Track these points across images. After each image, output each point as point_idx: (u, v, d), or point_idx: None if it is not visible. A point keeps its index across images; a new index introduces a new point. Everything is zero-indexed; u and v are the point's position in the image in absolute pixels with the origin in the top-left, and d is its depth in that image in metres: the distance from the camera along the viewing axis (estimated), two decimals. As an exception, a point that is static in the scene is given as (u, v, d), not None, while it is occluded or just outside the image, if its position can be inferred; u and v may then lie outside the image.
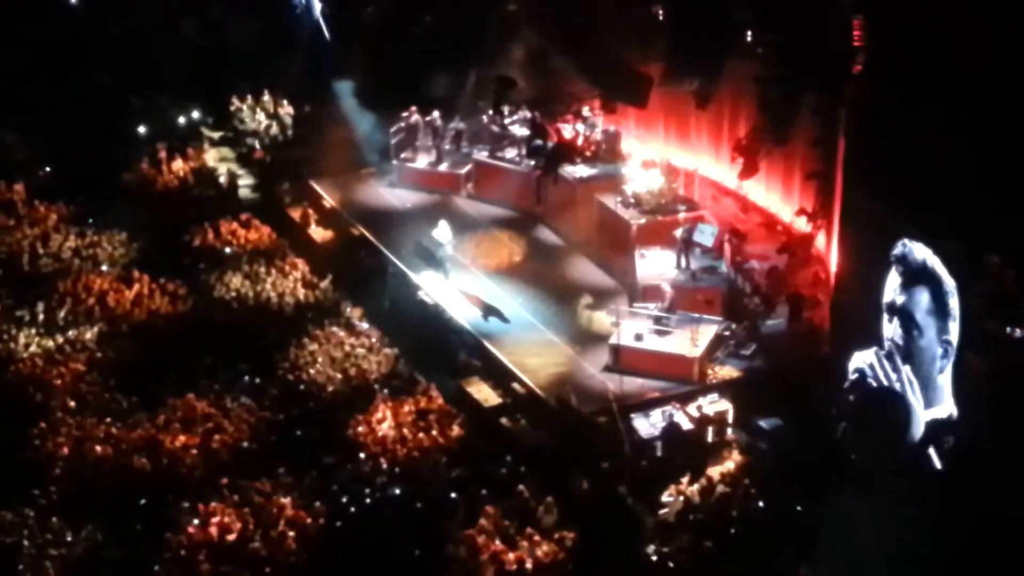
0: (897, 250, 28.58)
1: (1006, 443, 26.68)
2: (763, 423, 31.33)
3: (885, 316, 29.42)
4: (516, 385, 33.41)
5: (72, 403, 32.44)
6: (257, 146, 46.94)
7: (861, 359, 30.18)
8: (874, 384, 29.58)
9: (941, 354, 28.29)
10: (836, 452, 29.70)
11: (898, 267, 28.71)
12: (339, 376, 33.54)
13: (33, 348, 34.43)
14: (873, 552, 26.85)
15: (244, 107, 47.71)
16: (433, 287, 37.37)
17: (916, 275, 28.34)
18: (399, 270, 38.60)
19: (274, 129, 47.42)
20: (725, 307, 34.81)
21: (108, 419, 31.68)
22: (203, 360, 34.69)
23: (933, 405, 28.78)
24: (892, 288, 29.03)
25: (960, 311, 27.64)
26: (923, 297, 28.31)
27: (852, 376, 30.23)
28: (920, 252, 28.09)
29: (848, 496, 28.48)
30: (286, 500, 28.73)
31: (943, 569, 26.72)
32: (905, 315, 28.77)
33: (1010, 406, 26.87)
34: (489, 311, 36.42)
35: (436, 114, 44.02)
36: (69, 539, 28.12)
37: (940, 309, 28.05)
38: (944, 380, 28.45)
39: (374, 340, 35.20)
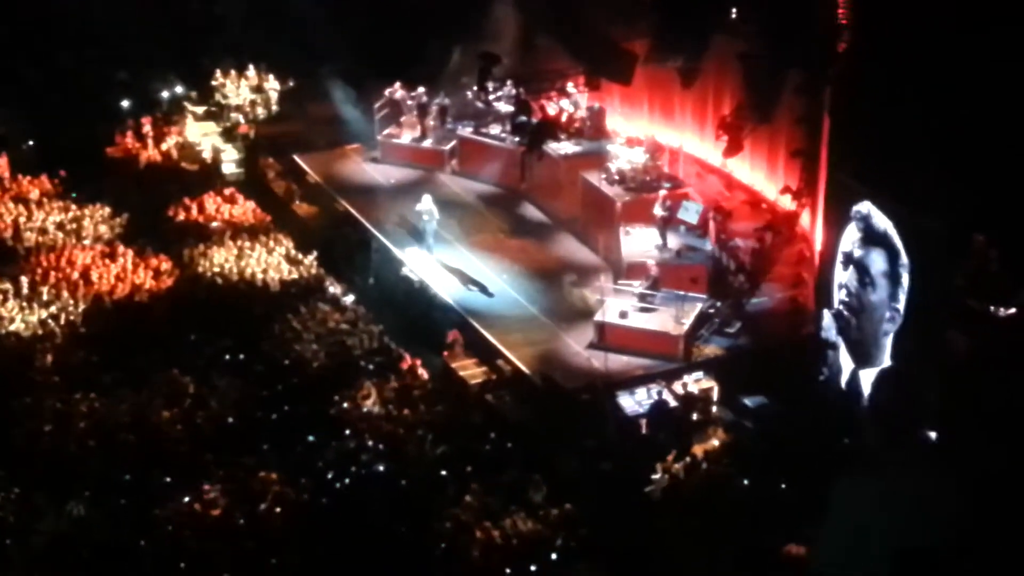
0: (861, 208, 29.00)
1: (990, 420, 26.76)
2: (748, 401, 31.43)
3: (840, 265, 29.99)
4: (501, 362, 33.42)
5: (56, 378, 32.39)
6: (241, 121, 46.81)
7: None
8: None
9: (888, 318, 28.95)
10: (822, 429, 29.83)
11: (858, 224, 29.23)
12: (324, 352, 33.53)
13: (17, 323, 34.35)
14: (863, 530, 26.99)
15: (228, 81, 47.59)
16: (417, 263, 37.35)
17: (875, 239, 28.88)
18: (383, 246, 38.58)
19: (258, 104, 47.31)
20: (710, 285, 34.84)
21: (92, 394, 31.61)
22: (187, 335, 34.62)
23: (874, 364, 29.65)
24: (851, 240, 29.56)
25: (910, 285, 28.29)
26: (879, 259, 28.91)
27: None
28: (882, 222, 28.57)
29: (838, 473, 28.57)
30: (271, 476, 28.74)
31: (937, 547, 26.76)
32: (860, 268, 29.33)
33: (993, 385, 26.95)
34: (471, 283, 36.49)
35: (421, 90, 43.93)
36: (53, 515, 28.14)
37: (893, 275, 28.68)
38: (887, 342, 29.19)
39: (359, 316, 35.20)
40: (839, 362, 30.62)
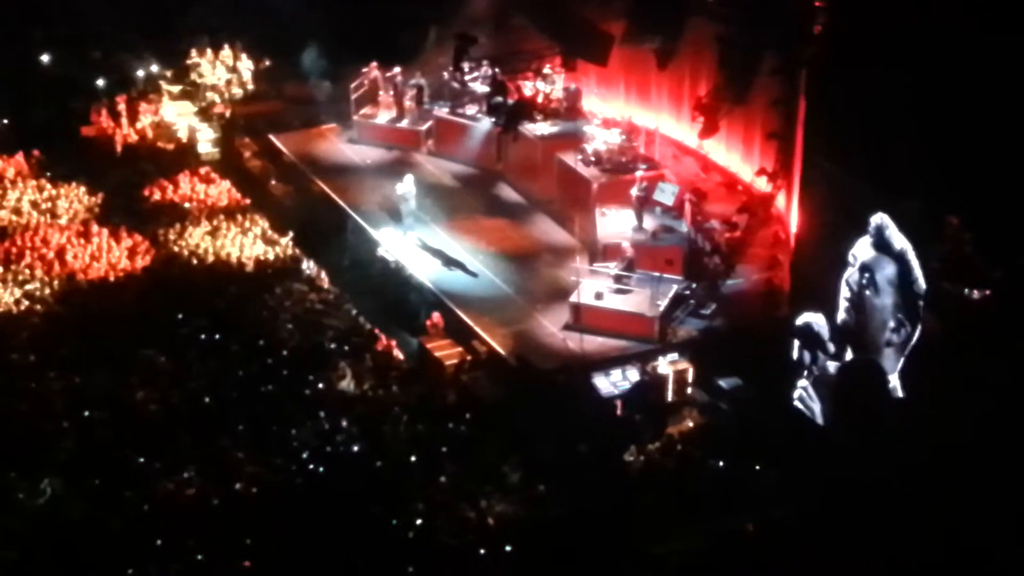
0: (877, 221, 28.21)
1: (958, 407, 26.86)
2: (723, 382, 31.49)
3: (849, 268, 29.31)
4: (476, 343, 33.44)
5: (31, 357, 32.30)
6: (217, 100, 46.66)
7: (807, 318, 30.41)
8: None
9: (893, 327, 28.26)
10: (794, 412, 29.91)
11: (873, 236, 28.49)
12: (299, 333, 33.50)
13: (-8, 303, 34.35)
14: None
15: (203, 61, 47.42)
16: (393, 243, 37.31)
17: (887, 251, 28.31)
18: (359, 226, 38.52)
19: (234, 83, 47.16)
20: (685, 266, 34.89)
21: (67, 374, 31.54)
22: (163, 315, 34.50)
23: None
24: (862, 249, 28.82)
25: (921, 312, 27.49)
26: (888, 267, 28.15)
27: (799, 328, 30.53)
28: (899, 241, 27.82)
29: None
30: (246, 456, 28.76)
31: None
32: (866, 269, 28.67)
33: (964, 368, 27.03)
34: (448, 264, 36.50)
35: (397, 70, 43.83)
36: (27, 494, 28.09)
37: (903, 289, 27.87)
38: (891, 358, 28.50)
39: (334, 297, 35.18)
40: (823, 359, 30.32)
